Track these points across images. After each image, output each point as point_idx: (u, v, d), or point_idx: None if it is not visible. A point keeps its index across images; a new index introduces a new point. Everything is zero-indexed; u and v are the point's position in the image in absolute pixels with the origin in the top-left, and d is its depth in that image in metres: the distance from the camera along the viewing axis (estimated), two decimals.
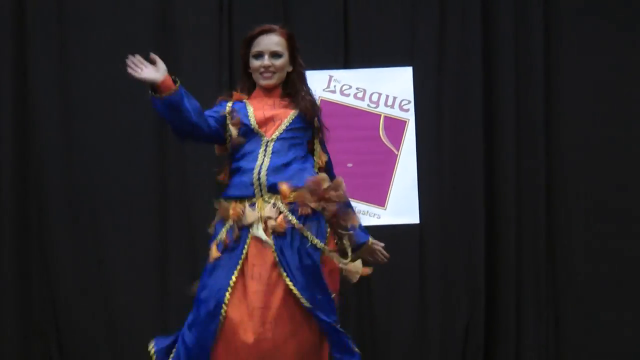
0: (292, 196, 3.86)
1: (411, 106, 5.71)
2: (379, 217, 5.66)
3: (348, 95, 5.75)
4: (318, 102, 4.13)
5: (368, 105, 5.75)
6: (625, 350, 5.79)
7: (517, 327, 5.82)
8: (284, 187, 3.88)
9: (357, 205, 5.66)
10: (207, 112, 3.96)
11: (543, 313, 5.82)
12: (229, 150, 4.02)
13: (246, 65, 4.06)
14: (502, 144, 5.86)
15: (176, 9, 5.86)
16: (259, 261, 3.83)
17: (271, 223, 3.84)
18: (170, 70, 3.85)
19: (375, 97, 5.75)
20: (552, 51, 5.88)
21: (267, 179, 3.88)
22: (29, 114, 5.80)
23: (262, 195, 3.89)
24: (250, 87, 4.09)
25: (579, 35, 5.89)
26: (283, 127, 3.97)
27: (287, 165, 3.94)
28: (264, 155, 3.92)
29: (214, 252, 3.88)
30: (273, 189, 3.89)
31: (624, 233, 5.83)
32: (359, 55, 5.88)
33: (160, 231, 5.79)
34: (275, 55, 4.00)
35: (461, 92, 5.87)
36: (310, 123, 4.04)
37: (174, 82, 3.78)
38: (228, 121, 3.98)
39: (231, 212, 3.90)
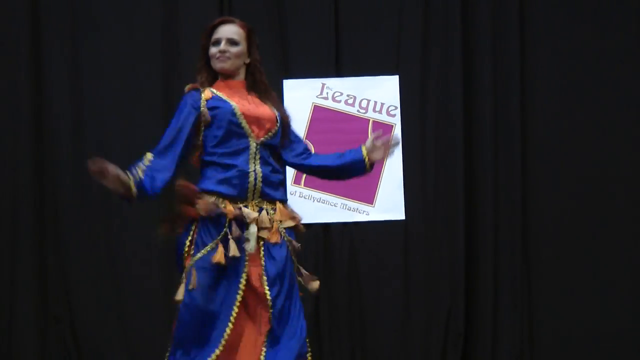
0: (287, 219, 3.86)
1: (397, 112, 5.88)
2: (367, 214, 5.81)
3: (339, 101, 5.90)
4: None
5: (358, 110, 5.90)
6: (599, 337, 5.86)
7: (494, 315, 5.87)
8: (281, 207, 3.86)
9: (348, 202, 5.81)
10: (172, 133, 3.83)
11: (518, 302, 5.88)
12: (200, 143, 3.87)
13: (206, 55, 3.93)
14: (481, 145, 5.94)
15: (179, 12, 5.90)
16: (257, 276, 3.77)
17: (264, 234, 3.78)
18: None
19: (364, 104, 5.91)
20: (529, 57, 5.94)
21: (262, 187, 3.80)
22: (44, 117, 5.86)
23: (253, 199, 3.81)
24: (211, 79, 3.94)
25: (555, 40, 5.97)
26: (272, 132, 3.88)
27: (273, 175, 3.87)
28: (255, 160, 3.82)
29: (218, 255, 3.71)
30: (264, 196, 3.82)
31: (598, 231, 5.89)
32: (350, 64, 5.98)
33: None
34: (232, 42, 3.88)
35: (444, 98, 5.96)
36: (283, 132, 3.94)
37: (132, 181, 3.65)
38: (202, 121, 3.83)
39: (230, 209, 3.75)
